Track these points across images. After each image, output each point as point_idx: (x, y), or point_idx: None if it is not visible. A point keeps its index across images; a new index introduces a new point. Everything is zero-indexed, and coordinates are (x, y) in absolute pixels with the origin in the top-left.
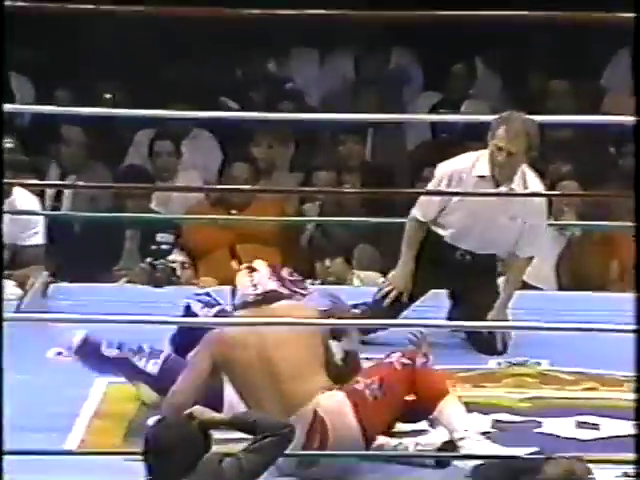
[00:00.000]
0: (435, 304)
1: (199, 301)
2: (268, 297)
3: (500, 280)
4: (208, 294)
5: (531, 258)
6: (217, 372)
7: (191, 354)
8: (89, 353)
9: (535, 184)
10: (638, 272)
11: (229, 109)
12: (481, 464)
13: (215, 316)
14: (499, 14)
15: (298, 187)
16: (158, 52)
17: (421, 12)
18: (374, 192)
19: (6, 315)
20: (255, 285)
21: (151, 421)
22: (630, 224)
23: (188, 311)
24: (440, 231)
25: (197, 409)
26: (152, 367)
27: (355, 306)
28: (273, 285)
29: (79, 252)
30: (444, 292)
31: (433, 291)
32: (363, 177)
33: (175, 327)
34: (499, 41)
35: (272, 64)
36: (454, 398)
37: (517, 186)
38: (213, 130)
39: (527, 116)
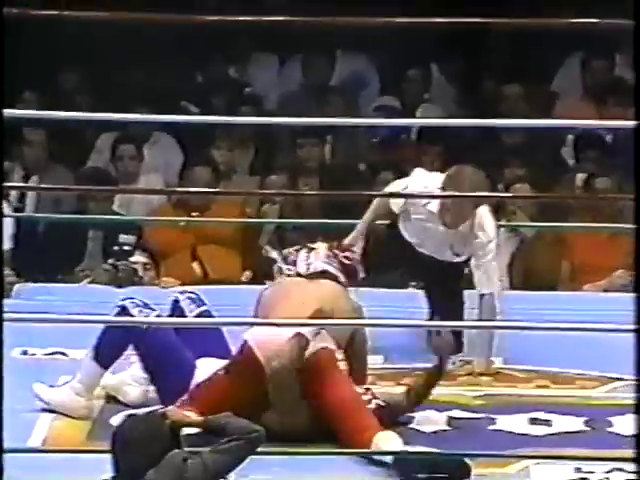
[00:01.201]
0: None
1: (189, 299)
2: (316, 275)
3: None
4: (194, 293)
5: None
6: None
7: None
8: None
9: (488, 227)
10: (638, 273)
11: (190, 113)
12: None
13: (199, 316)
14: (461, 21)
15: (258, 190)
16: (120, 56)
17: (377, 19)
18: (333, 194)
19: (6, 316)
20: (309, 264)
21: (115, 420)
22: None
23: (176, 306)
24: (402, 231)
25: (170, 409)
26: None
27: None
28: (325, 266)
29: (42, 253)
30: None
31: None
32: (322, 179)
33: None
34: (453, 47)
35: (232, 69)
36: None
37: (466, 228)
38: (174, 134)
39: (471, 172)
